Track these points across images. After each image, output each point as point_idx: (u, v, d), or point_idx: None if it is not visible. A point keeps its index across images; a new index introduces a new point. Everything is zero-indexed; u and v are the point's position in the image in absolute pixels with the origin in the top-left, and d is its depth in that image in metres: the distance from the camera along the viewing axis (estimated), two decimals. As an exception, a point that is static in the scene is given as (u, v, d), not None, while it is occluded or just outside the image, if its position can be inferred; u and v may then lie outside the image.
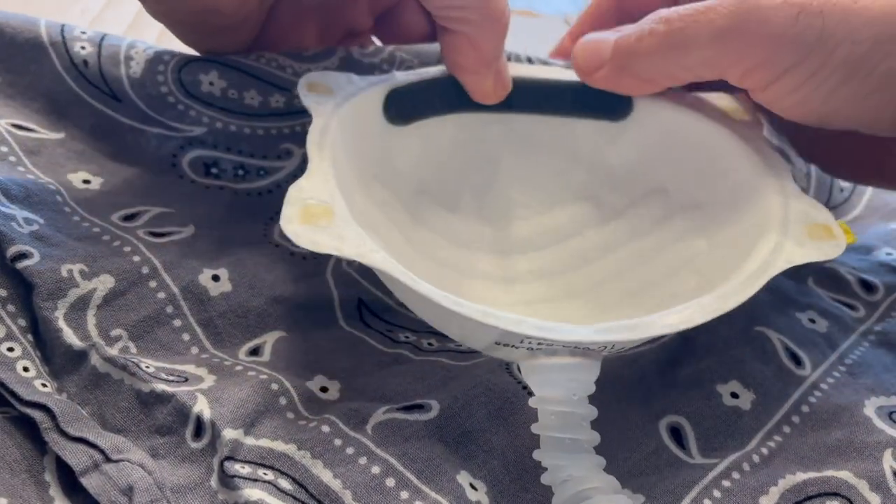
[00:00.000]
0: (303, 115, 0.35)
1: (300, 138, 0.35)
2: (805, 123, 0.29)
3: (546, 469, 0.24)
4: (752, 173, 0.31)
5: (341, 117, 0.29)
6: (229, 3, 0.31)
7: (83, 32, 0.34)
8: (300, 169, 0.34)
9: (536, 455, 0.24)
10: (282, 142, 0.35)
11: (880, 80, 0.26)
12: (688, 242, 0.32)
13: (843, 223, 0.29)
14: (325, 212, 0.24)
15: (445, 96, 0.32)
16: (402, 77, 0.32)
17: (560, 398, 0.24)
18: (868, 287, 0.34)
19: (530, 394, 0.27)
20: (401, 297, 0.27)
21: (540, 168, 0.34)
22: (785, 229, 0.28)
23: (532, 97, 0.33)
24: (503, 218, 0.34)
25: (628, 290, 0.31)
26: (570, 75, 0.34)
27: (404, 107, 0.31)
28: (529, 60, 0.36)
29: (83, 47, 0.34)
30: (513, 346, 0.25)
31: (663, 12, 0.29)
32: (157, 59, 0.34)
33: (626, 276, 0.32)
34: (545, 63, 0.36)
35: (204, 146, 0.34)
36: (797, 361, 0.31)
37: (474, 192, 0.34)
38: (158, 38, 0.48)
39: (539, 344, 0.24)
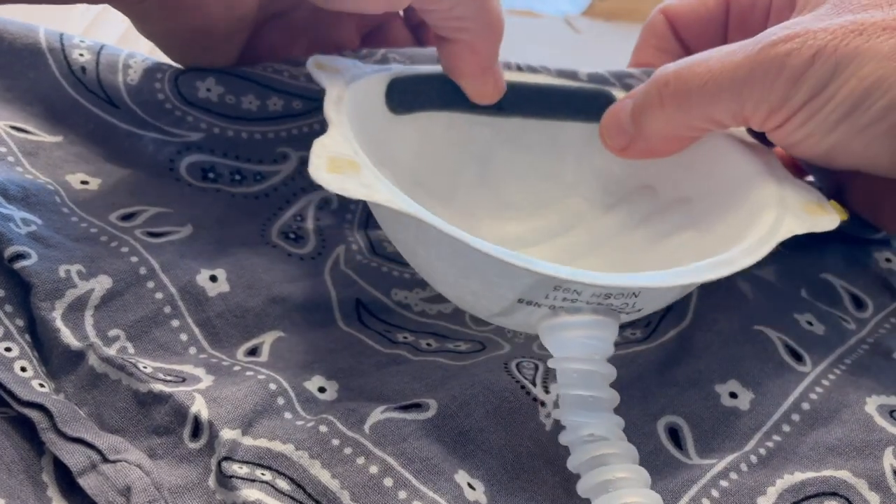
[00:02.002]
0: (300, 117, 0.35)
1: (297, 142, 0.35)
2: (812, 160, 0.30)
3: (564, 428, 0.24)
4: (741, 164, 0.31)
5: (351, 93, 0.29)
6: (219, 22, 0.32)
7: (82, 41, 0.35)
8: (297, 172, 0.35)
9: (556, 414, 0.25)
10: (279, 145, 0.35)
11: (879, 112, 0.27)
12: (679, 235, 0.32)
13: (834, 202, 0.30)
14: (350, 164, 0.25)
15: (441, 93, 0.33)
16: (403, 68, 0.33)
17: (582, 356, 0.25)
18: (858, 304, 0.34)
19: (528, 393, 0.27)
20: (417, 254, 0.27)
21: (529, 169, 0.35)
22: (783, 205, 0.29)
23: (522, 100, 0.34)
24: (494, 217, 0.34)
25: None
26: (557, 81, 0.35)
27: (405, 96, 0.32)
28: (519, 68, 0.36)
29: (81, 54, 0.34)
30: (536, 303, 0.25)
31: (670, 69, 0.30)
32: (155, 69, 0.34)
33: (619, 269, 0.32)
34: (533, 70, 0.37)
35: (201, 151, 0.34)
36: (797, 358, 0.31)
37: (466, 189, 0.34)
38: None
39: (564, 300, 0.24)
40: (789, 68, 0.28)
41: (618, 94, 0.35)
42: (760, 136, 0.33)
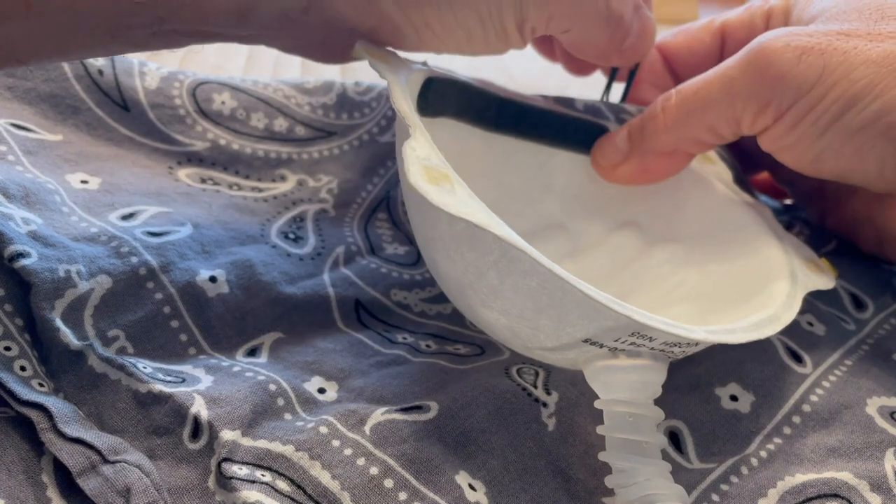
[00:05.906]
0: (301, 143, 0.37)
1: (296, 165, 0.37)
2: (801, 168, 0.31)
3: (612, 471, 0.24)
4: (736, 213, 0.32)
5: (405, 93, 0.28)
6: None
7: None
8: (294, 191, 0.36)
9: (603, 456, 0.24)
10: (278, 167, 0.37)
11: (871, 115, 0.28)
12: (673, 274, 0.32)
13: (825, 259, 0.32)
14: (444, 177, 0.23)
15: (457, 101, 0.32)
16: (436, 68, 0.32)
17: (633, 400, 0.24)
18: (859, 304, 0.34)
19: (529, 395, 0.27)
20: (485, 277, 0.25)
21: (512, 193, 0.34)
22: (792, 261, 0.30)
23: (518, 120, 0.33)
24: None
25: None
26: (555, 107, 0.34)
27: (435, 98, 0.31)
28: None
29: (97, 60, 0.35)
30: (600, 344, 0.24)
31: (673, 89, 0.31)
32: (172, 77, 0.36)
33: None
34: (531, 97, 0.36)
35: (202, 164, 0.35)
36: (798, 359, 0.31)
37: None
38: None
39: (632, 344, 0.24)
40: (775, 65, 0.28)
41: (612, 127, 0.35)
42: (753, 147, 0.33)
